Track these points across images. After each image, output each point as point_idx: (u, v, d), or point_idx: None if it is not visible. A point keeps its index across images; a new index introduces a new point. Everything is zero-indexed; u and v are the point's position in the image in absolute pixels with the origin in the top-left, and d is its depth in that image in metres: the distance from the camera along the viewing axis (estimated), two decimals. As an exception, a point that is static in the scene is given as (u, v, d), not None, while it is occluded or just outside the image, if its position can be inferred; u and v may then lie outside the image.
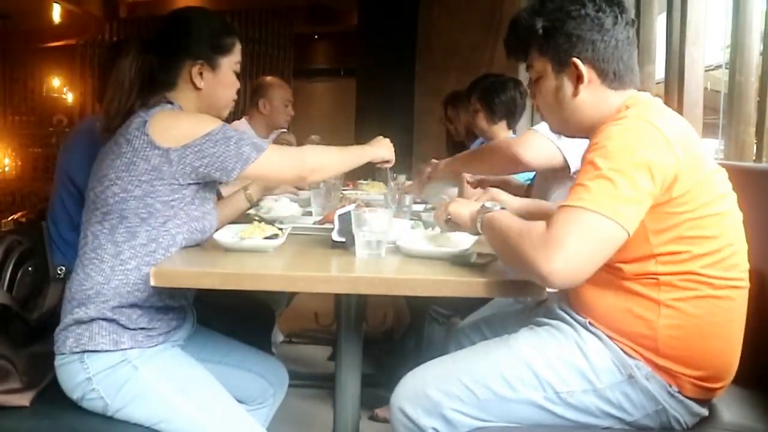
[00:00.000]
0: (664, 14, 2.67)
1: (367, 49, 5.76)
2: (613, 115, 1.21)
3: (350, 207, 1.39)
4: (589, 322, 1.24)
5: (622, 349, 1.20)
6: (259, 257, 1.32)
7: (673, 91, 2.54)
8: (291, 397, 1.68)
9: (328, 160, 1.49)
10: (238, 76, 1.48)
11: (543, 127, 1.74)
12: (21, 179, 8.49)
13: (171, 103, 1.40)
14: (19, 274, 1.46)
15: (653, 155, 1.09)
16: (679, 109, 2.47)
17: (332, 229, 1.40)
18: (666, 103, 2.77)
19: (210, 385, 1.33)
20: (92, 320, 1.28)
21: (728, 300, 1.19)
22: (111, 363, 1.27)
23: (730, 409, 1.30)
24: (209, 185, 1.38)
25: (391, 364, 2.63)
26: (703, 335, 1.18)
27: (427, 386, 1.24)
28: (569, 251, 1.04)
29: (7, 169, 8.67)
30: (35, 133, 8.62)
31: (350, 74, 6.91)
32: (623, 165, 1.08)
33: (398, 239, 1.38)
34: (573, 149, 1.69)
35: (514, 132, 2.71)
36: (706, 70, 2.50)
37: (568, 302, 1.31)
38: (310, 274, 1.24)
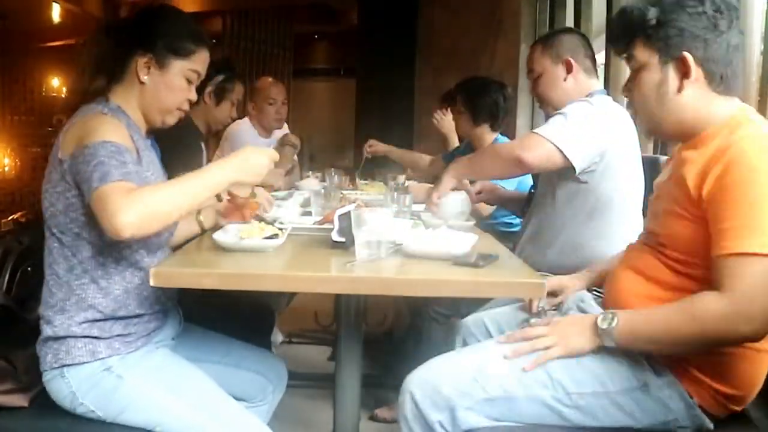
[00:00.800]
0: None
1: (367, 49, 5.77)
2: (727, 123, 1.17)
3: (350, 207, 1.39)
4: None
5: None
6: (259, 257, 1.32)
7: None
8: (291, 397, 1.69)
9: (159, 205, 1.15)
10: (192, 83, 1.40)
11: (543, 129, 1.74)
12: (20, 179, 8.48)
13: (107, 101, 1.34)
14: (18, 275, 1.45)
15: None
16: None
17: (332, 229, 1.40)
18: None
19: (201, 383, 1.31)
20: (65, 336, 1.26)
21: None
22: (92, 374, 1.25)
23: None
24: None
25: (391, 364, 2.63)
26: (750, 357, 1.19)
27: (440, 381, 1.24)
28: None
29: (6, 169, 8.67)
30: (34, 132, 8.61)
31: (350, 74, 6.91)
32: None
33: (399, 239, 1.38)
34: (575, 147, 1.70)
35: (501, 133, 2.74)
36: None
37: (605, 303, 1.32)
38: (310, 274, 1.24)
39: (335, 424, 1.50)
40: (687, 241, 1.17)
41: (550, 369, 1.22)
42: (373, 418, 2.33)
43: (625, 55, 1.28)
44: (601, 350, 1.22)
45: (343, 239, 1.37)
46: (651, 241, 1.28)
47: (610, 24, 1.31)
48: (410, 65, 5.45)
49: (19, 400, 1.31)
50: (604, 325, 1.17)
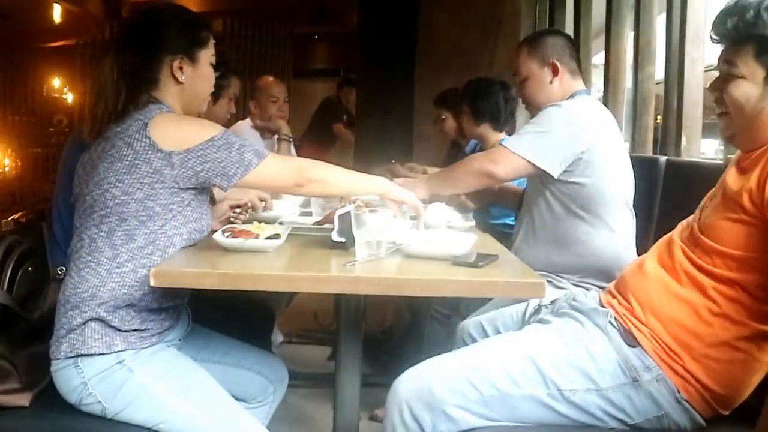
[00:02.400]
0: (664, 14, 2.67)
1: (367, 50, 5.76)
2: None
3: (350, 207, 1.39)
4: (615, 318, 1.26)
5: (656, 336, 1.21)
6: (259, 257, 1.32)
7: (672, 91, 2.54)
8: (291, 397, 1.69)
9: (331, 177, 1.43)
10: (214, 68, 1.50)
11: (511, 142, 1.78)
12: (21, 179, 8.49)
13: (160, 102, 1.39)
14: (19, 274, 1.46)
15: None
16: (679, 109, 2.47)
17: (332, 229, 1.40)
18: (666, 102, 2.77)
19: (207, 384, 1.33)
20: (85, 323, 1.28)
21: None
22: (105, 366, 1.27)
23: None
24: (206, 188, 1.39)
25: (390, 364, 2.63)
26: (747, 366, 1.20)
27: (432, 382, 1.24)
28: None
29: (7, 169, 8.68)
30: (35, 133, 8.64)
31: (350, 75, 6.91)
32: None
33: (399, 239, 1.38)
34: (545, 155, 1.73)
35: (506, 133, 2.75)
36: (706, 70, 2.50)
37: (617, 284, 1.34)
38: (310, 274, 1.24)
39: (335, 424, 1.50)
40: (734, 238, 1.18)
41: (541, 367, 1.23)
42: (373, 418, 2.33)
43: (724, 54, 1.21)
44: (591, 348, 1.23)
45: (343, 239, 1.37)
46: (687, 236, 1.29)
47: (720, 14, 1.21)
48: (410, 66, 5.44)
49: (20, 400, 1.31)
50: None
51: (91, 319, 1.28)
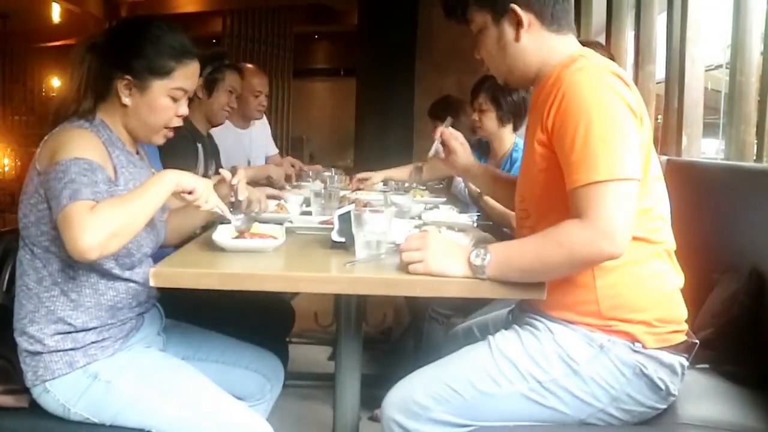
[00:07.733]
0: (665, 14, 2.67)
1: (367, 49, 5.75)
2: (562, 62, 1.24)
3: (350, 207, 1.39)
4: (550, 316, 1.26)
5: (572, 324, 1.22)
6: (259, 257, 1.32)
7: (673, 90, 2.54)
8: (291, 397, 1.69)
9: (120, 222, 1.14)
10: (178, 100, 1.36)
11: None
12: (20, 179, 8.49)
13: (90, 119, 1.32)
14: (18, 275, 1.45)
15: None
16: (680, 109, 2.47)
17: (332, 229, 1.40)
18: (666, 102, 2.77)
19: (195, 381, 1.31)
20: (40, 352, 1.25)
21: (653, 245, 1.22)
22: (77, 384, 1.25)
23: (732, 410, 1.30)
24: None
25: (390, 363, 2.63)
26: (636, 277, 1.21)
27: (414, 393, 1.25)
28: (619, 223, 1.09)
29: (6, 169, 8.68)
30: (35, 132, 8.63)
31: (350, 74, 6.90)
32: None
33: (398, 239, 1.36)
34: None
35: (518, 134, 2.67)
36: (706, 70, 2.50)
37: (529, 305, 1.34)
38: (310, 274, 1.23)
39: (335, 424, 1.49)
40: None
41: (516, 362, 1.22)
42: (372, 419, 2.32)
43: (467, 23, 1.36)
44: (556, 336, 1.23)
45: (343, 239, 1.37)
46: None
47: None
48: (410, 65, 5.44)
49: (20, 401, 1.30)
50: (477, 262, 1.16)
51: (43, 348, 1.25)
